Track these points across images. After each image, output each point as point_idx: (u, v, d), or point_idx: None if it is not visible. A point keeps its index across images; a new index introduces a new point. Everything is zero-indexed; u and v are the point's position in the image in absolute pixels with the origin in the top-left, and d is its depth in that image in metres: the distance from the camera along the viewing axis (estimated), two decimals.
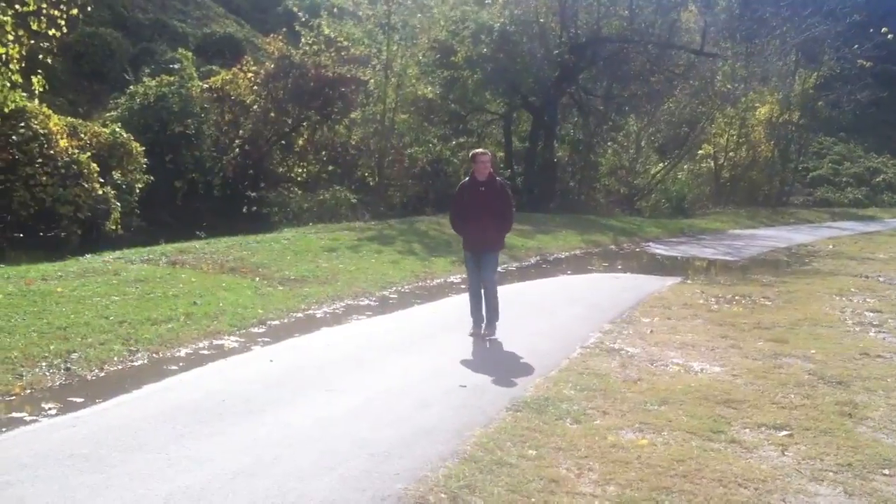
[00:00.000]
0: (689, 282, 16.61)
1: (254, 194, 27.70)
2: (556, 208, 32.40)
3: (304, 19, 30.23)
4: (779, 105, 46.20)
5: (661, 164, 41.72)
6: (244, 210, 26.65)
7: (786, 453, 6.31)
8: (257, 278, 13.24)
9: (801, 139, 51.03)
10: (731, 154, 47.06)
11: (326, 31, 29.89)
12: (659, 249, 23.77)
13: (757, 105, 45.60)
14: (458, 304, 12.70)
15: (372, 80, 27.98)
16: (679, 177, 42.05)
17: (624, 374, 8.52)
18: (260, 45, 36.63)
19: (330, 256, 15.80)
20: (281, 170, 31.51)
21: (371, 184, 29.41)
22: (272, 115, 30.73)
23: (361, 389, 7.63)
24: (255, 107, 30.60)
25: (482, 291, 10.30)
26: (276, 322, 10.67)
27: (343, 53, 29.92)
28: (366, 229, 20.48)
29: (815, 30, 39.05)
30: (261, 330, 10.20)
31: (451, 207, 10.58)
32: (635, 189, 39.45)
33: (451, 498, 5.21)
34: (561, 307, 12.76)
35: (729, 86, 37.45)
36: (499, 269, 16.51)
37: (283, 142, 31.65)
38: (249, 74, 30.71)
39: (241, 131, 30.64)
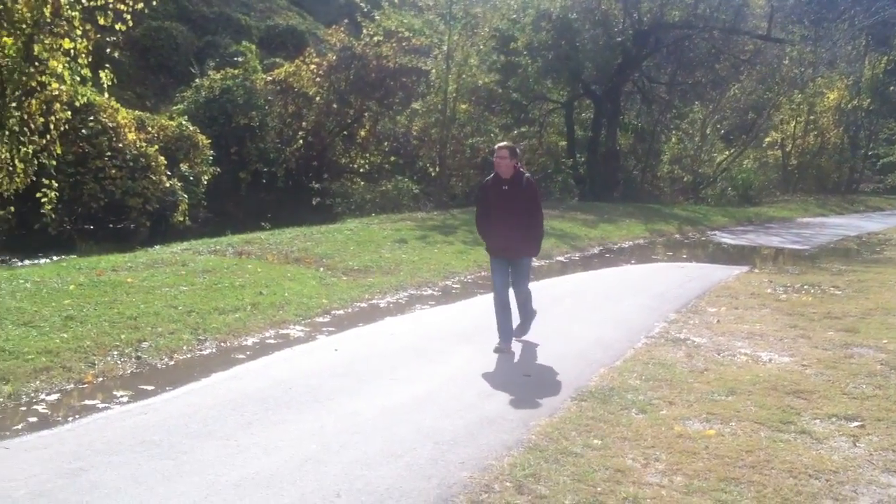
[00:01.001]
0: (756, 271, 16.36)
1: (317, 185, 27.96)
2: (619, 197, 32.16)
3: (365, 10, 30.34)
4: (848, 90, 45.15)
5: (726, 152, 41.11)
6: (308, 201, 26.90)
7: (857, 444, 6.19)
8: (321, 268, 13.36)
9: (871, 125, 49.80)
10: (798, 141, 46.13)
11: (387, 23, 29.99)
12: (725, 238, 23.44)
13: (825, 91, 44.63)
14: None
15: (433, 70, 27.99)
16: (745, 164, 41.39)
17: (690, 365, 8.42)
18: (322, 37, 36.83)
19: (393, 246, 15.88)
20: (343, 161, 31.75)
21: (432, 174, 29.44)
22: (334, 106, 30.95)
23: (425, 378, 7.67)
24: (318, 98, 30.84)
25: (514, 301, 9.22)
26: (341, 312, 10.76)
27: (404, 44, 29.97)
28: (428, 219, 20.53)
29: (886, 12, 38.09)
30: (325, 319, 10.30)
31: (477, 209, 9.44)
32: (700, 177, 38.91)
33: (517, 486, 5.21)
34: (625, 297, 12.66)
35: (796, 71, 36.73)
36: (562, 258, 16.44)
37: (345, 133, 31.87)
38: (312, 66, 30.95)
39: (303, 123, 30.91)
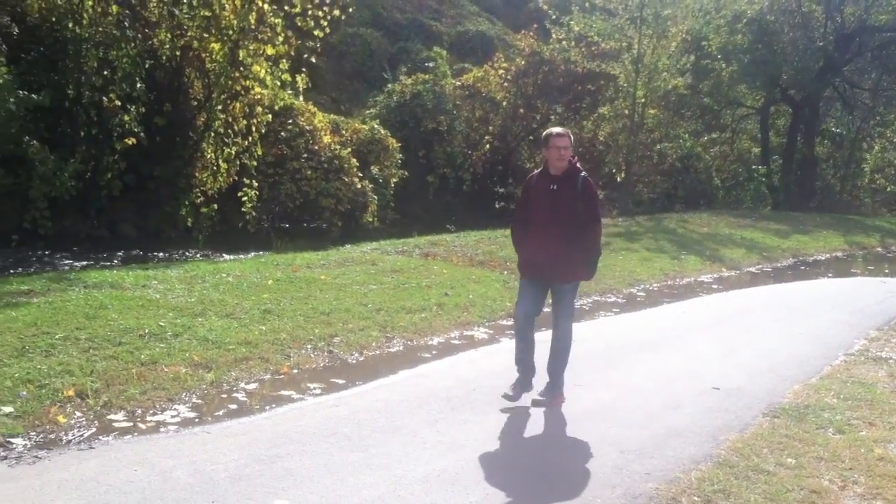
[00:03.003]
0: None
1: (502, 190, 28.15)
2: (814, 207, 30.81)
3: (554, 16, 30.32)
4: None
5: None
6: (492, 205, 27.12)
7: None
8: (505, 272, 13.44)
9: None
10: None
11: (576, 27, 29.86)
12: None
13: None
14: (710, 304, 12.41)
15: (621, 75, 27.66)
16: None
17: (893, 385, 7.96)
18: (511, 42, 37.08)
19: None
20: (528, 165, 31.78)
21: (618, 179, 29.09)
22: (521, 111, 31.08)
23: (610, 386, 7.58)
24: (505, 103, 31.04)
25: (552, 336, 7.13)
26: None
27: (593, 48, 29.75)
28: (612, 225, 20.31)
29: None
30: (509, 322, 10.32)
31: (515, 211, 7.39)
32: None
33: (705, 501, 5.07)
34: (821, 311, 12.10)
35: None
36: (752, 269, 15.86)
37: (530, 137, 31.92)
38: (500, 71, 31.19)
39: (490, 127, 31.19)
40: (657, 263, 15.28)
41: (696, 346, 9.45)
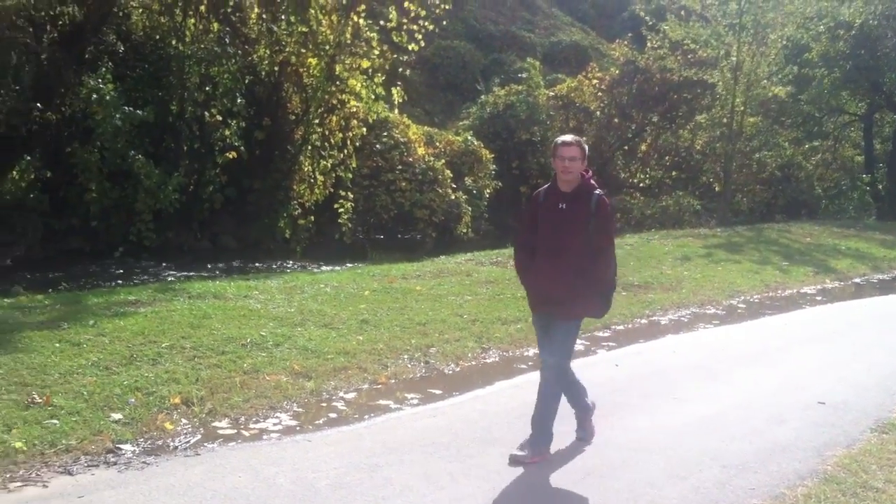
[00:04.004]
0: None
1: None
2: None
3: (650, 23, 29.99)
4: None
5: None
6: None
7: None
8: None
9: None
10: None
11: (672, 35, 29.46)
12: None
13: None
14: (814, 316, 12.11)
15: (719, 83, 27.19)
16: None
17: None
18: (605, 52, 36.89)
19: (674, 263, 15.56)
20: (623, 175, 31.54)
21: (716, 189, 28.58)
22: (615, 120, 30.82)
23: (710, 400, 7.44)
24: (599, 113, 30.84)
25: (538, 391, 6.07)
26: (621, 327, 10.68)
27: (689, 56, 29.32)
28: (711, 236, 19.95)
29: None
30: (605, 334, 10.25)
31: (518, 233, 6.44)
32: None
33: None
34: None
35: None
36: (858, 280, 15.40)
37: (625, 147, 31.65)
38: (594, 81, 31.01)
39: (584, 137, 30.92)
40: (759, 276, 14.94)
41: (799, 359, 9.20)
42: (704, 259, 16.23)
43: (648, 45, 30.17)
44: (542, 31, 45.27)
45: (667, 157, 31.29)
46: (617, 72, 30.58)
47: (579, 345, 9.54)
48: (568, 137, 5.83)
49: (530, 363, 8.70)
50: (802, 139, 31.71)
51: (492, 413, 6.84)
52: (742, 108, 26.55)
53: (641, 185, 30.84)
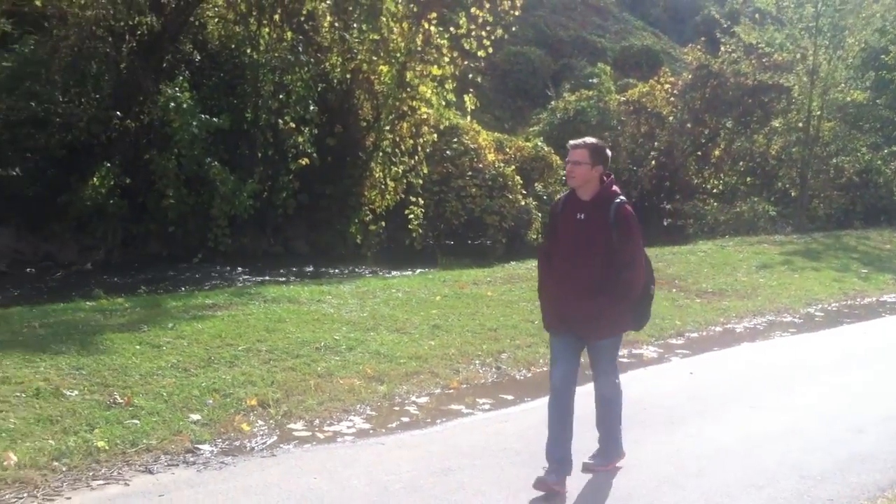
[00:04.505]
0: None
1: (668, 206, 27.65)
2: None
3: (724, 26, 29.57)
4: None
5: None
6: (658, 222, 26.70)
7: None
8: (674, 290, 13.18)
9: None
10: None
11: (746, 38, 29.00)
12: None
13: None
14: (894, 326, 11.81)
15: (795, 87, 26.68)
16: None
17: None
18: (677, 56, 36.55)
19: (749, 270, 15.31)
20: (696, 181, 31.13)
21: (792, 195, 28.04)
22: (688, 125, 30.46)
23: (788, 409, 7.31)
24: (671, 118, 30.51)
25: (594, 389, 5.76)
26: (695, 334, 10.55)
27: (764, 60, 28.83)
28: (787, 243, 19.59)
29: None
30: (679, 341, 10.14)
31: (542, 242, 6.27)
32: None
33: None
34: None
35: None
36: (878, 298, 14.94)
37: (698, 153, 31.24)
38: (666, 86, 30.71)
39: (656, 143, 30.71)
40: (838, 284, 14.62)
41: (879, 368, 8.99)
42: (781, 266, 15.94)
43: (722, 48, 29.74)
44: (613, 36, 44.99)
45: (741, 163, 30.77)
46: (690, 76, 30.23)
47: (652, 352, 9.49)
48: (579, 140, 5.40)
49: None
50: (881, 144, 30.89)
51: None
52: (819, 113, 26.02)
53: (715, 190, 30.39)
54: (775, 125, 28.98)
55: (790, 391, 7.94)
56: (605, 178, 5.37)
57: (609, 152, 5.41)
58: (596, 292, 5.23)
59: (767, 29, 26.73)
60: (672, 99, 30.50)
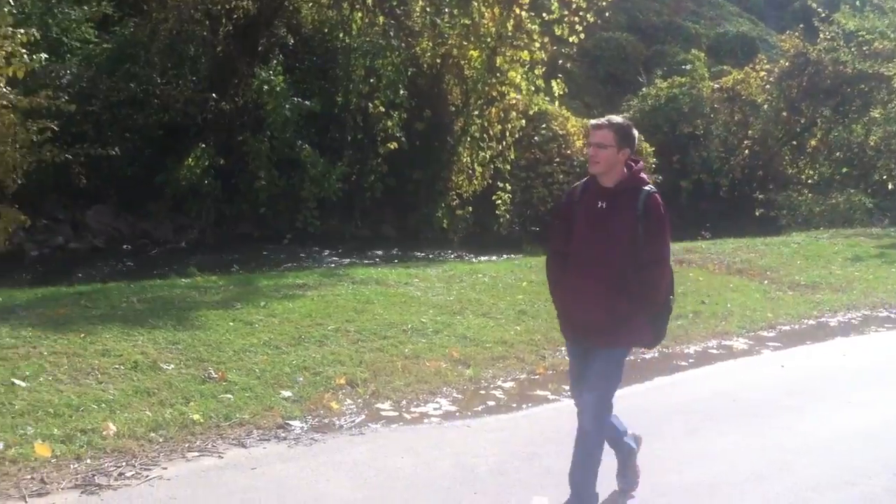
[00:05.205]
0: None
1: (761, 196, 27.09)
2: None
3: (822, 14, 28.76)
4: None
5: None
6: (750, 212, 26.19)
7: None
8: (765, 281, 12.92)
9: None
10: None
11: (846, 26, 28.18)
12: None
13: None
14: None
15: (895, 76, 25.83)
16: None
17: None
18: (773, 43, 35.63)
19: (844, 263, 14.90)
20: (790, 171, 30.40)
21: (890, 187, 27.19)
22: (783, 114, 29.74)
23: (882, 405, 7.11)
24: (766, 106, 29.84)
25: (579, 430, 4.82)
26: (787, 327, 10.33)
27: (864, 48, 27.97)
28: (883, 236, 19.01)
29: None
30: (770, 334, 9.95)
31: (550, 238, 5.11)
32: None
33: None
34: None
35: None
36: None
37: (793, 142, 30.49)
38: (762, 73, 30.04)
39: (749, 131, 30.09)
40: None
41: None
42: (877, 259, 15.46)
43: (820, 36, 28.94)
44: (707, 22, 44.09)
45: (837, 153, 29.94)
46: (786, 64, 29.48)
47: (742, 344, 9.32)
48: (602, 119, 4.65)
49: (691, 360, 8.56)
50: None
51: (651, 408, 6.75)
52: None
53: (809, 181, 29.63)
54: (875, 115, 28.11)
55: (884, 387, 7.73)
56: (632, 164, 4.65)
57: (636, 133, 4.67)
58: (616, 295, 4.50)
59: (868, 16, 25.93)
60: (767, 87, 29.82)
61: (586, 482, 4.68)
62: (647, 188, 4.57)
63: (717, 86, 30.66)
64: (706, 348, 9.09)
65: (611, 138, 4.50)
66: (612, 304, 4.49)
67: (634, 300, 4.51)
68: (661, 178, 25.64)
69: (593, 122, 4.67)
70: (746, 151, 29.53)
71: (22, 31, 12.58)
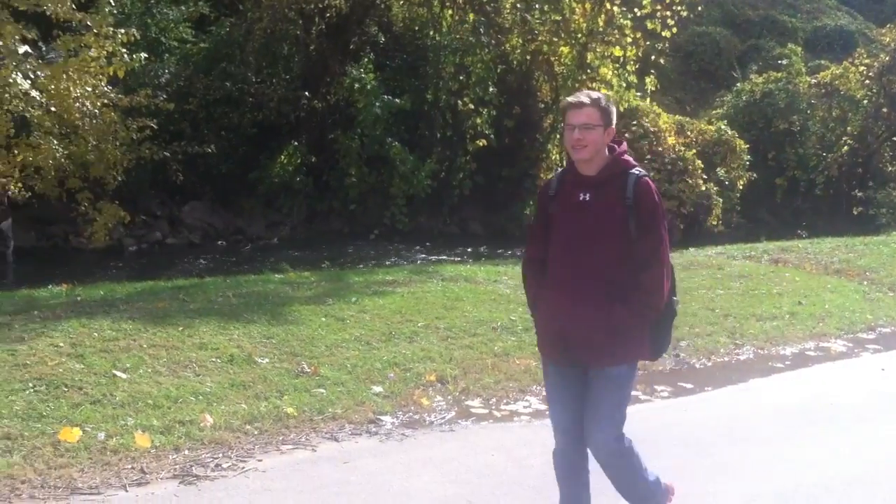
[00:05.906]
0: None
1: (860, 194, 26.35)
2: None
3: None
4: None
5: None
6: (847, 210, 25.51)
7: None
8: (865, 282, 12.54)
9: None
10: None
11: None
12: None
13: None
14: None
15: None
16: None
17: None
18: (873, 37, 34.54)
19: None
20: (891, 169, 29.49)
21: None
22: (884, 110, 28.91)
23: None
24: (866, 102, 29.01)
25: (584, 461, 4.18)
26: (887, 329, 10.00)
27: None
28: None
29: None
30: (870, 336, 9.65)
31: (527, 243, 4.37)
32: None
33: None
34: None
35: None
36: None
37: (894, 139, 29.57)
38: (861, 68, 29.20)
39: (848, 128, 29.30)
40: None
41: None
42: None
43: None
44: (804, 16, 43.01)
45: None
46: (887, 58, 28.62)
47: (840, 346, 9.06)
48: (581, 96, 3.87)
49: (787, 362, 8.35)
50: None
51: (746, 410, 6.63)
52: None
53: None
54: None
55: None
56: (614, 146, 3.96)
57: (614, 108, 3.95)
58: (606, 302, 3.80)
59: None
60: (867, 82, 29.02)
61: (644, 491, 4.13)
62: (634, 171, 3.90)
63: (814, 81, 29.95)
64: (803, 350, 8.86)
65: (597, 117, 3.81)
66: (606, 315, 3.79)
67: (632, 304, 3.80)
68: (754, 175, 25.18)
69: (571, 99, 3.92)
70: (845, 148, 28.76)
71: (122, 31, 12.97)
